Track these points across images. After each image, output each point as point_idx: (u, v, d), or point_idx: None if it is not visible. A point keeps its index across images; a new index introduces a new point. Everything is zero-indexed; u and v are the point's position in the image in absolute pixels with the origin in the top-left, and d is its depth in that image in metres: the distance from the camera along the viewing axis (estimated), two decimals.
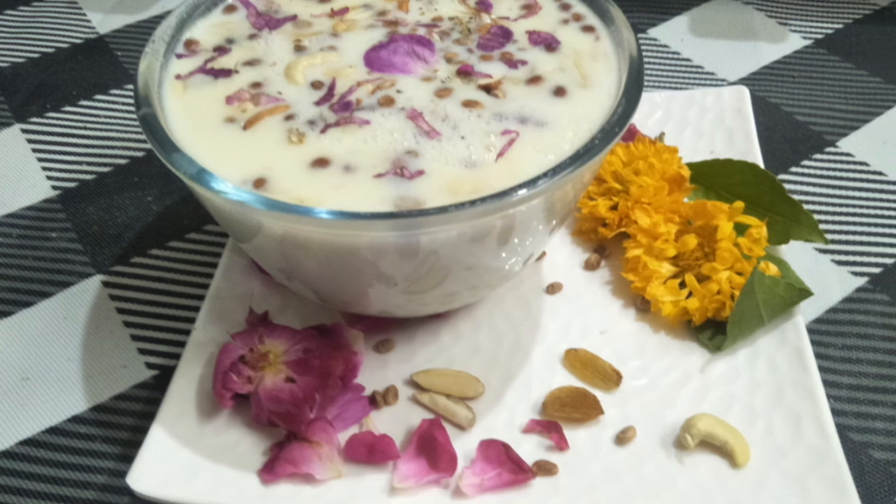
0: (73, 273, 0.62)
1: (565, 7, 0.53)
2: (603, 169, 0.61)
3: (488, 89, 0.47)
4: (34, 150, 0.73)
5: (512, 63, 0.49)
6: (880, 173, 0.65)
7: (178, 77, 0.49)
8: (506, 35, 0.51)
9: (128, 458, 0.50)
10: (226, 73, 0.49)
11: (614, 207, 0.59)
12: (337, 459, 0.48)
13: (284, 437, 0.49)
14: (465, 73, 0.48)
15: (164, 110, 0.47)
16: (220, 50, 0.51)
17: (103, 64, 0.82)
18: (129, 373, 0.55)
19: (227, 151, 0.45)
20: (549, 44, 0.50)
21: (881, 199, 0.63)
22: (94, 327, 0.58)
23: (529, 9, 0.53)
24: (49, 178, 0.70)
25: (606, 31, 0.51)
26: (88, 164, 0.72)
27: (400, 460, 0.48)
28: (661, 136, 0.66)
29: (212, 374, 0.51)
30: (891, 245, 0.60)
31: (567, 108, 0.46)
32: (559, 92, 0.47)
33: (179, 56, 0.51)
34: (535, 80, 0.48)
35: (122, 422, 0.53)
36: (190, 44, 0.51)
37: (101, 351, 0.57)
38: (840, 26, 0.80)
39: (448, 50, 0.50)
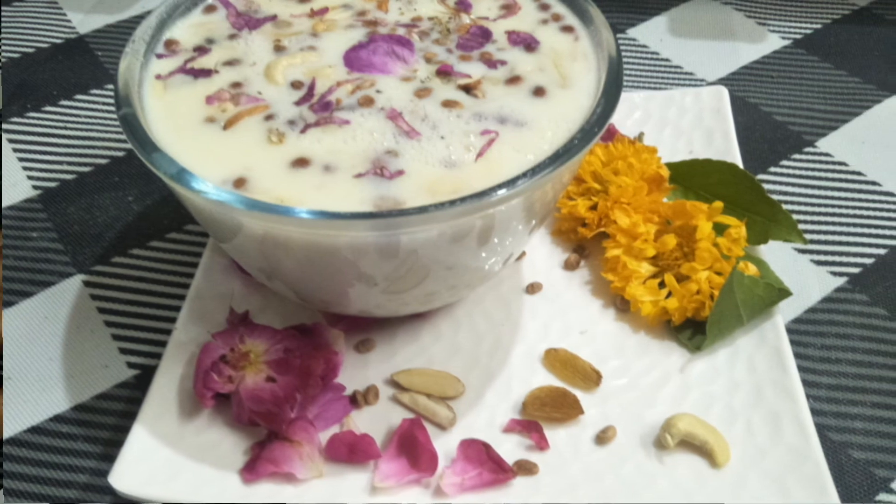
0: (53, 273, 0.61)
1: (544, 7, 0.53)
2: (582, 169, 0.60)
3: (468, 89, 0.46)
4: (15, 150, 0.72)
5: (491, 63, 0.48)
6: (859, 173, 0.65)
7: (158, 77, 0.48)
8: (485, 35, 0.50)
9: (110, 457, 0.49)
10: (206, 73, 0.48)
11: (594, 207, 0.58)
12: (318, 459, 0.47)
13: (265, 437, 0.48)
14: (444, 73, 0.47)
15: (144, 110, 0.46)
16: (200, 50, 0.50)
17: (84, 64, 0.81)
18: (110, 372, 0.54)
19: (207, 151, 0.44)
20: (528, 44, 0.49)
21: (860, 199, 0.63)
22: (75, 327, 0.57)
23: (509, 9, 0.53)
24: (30, 177, 0.69)
25: (586, 31, 0.50)
26: (69, 163, 0.70)
27: (381, 460, 0.47)
28: (640, 136, 0.65)
29: (193, 373, 0.50)
30: (870, 245, 0.59)
31: (546, 108, 0.45)
32: (538, 92, 0.46)
33: (160, 56, 0.50)
34: (514, 80, 0.47)
35: (104, 421, 0.52)
36: (170, 44, 0.51)
37: (83, 350, 0.56)
38: (819, 26, 0.79)
39: (427, 50, 0.49)
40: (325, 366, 0.50)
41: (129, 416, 0.51)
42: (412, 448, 0.47)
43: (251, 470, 0.47)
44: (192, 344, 0.53)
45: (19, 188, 0.69)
